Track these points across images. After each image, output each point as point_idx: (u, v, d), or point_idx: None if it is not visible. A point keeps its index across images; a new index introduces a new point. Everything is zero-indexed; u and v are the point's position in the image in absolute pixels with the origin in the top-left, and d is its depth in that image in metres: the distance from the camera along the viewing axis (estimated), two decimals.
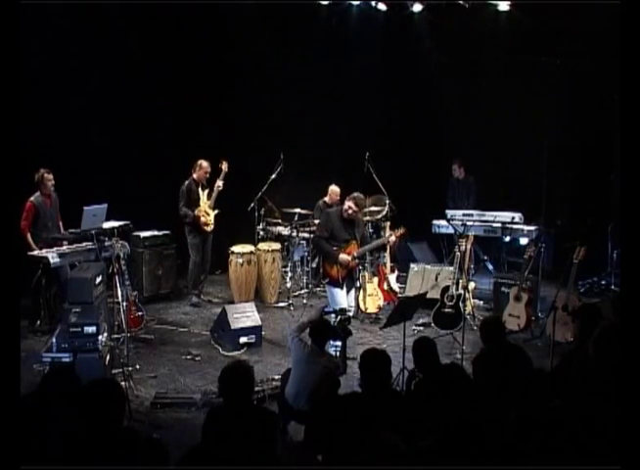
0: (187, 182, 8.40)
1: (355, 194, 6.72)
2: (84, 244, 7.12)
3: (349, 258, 6.64)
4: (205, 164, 8.43)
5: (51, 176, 7.49)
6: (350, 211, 6.62)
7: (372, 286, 8.07)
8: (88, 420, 3.07)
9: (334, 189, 9.25)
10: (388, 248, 8.32)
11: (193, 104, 9.30)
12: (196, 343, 7.34)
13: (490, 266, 9.34)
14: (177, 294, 9.03)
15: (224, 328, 7.16)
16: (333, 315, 5.96)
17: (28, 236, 7.33)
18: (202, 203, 8.43)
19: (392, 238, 7.22)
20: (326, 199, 9.33)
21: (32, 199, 7.41)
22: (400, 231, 7.25)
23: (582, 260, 7.11)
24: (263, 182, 9.18)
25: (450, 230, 8.31)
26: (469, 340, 6.73)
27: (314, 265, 9.07)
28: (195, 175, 8.42)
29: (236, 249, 8.71)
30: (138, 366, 6.47)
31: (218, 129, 9.57)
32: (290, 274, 8.90)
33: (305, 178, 9.64)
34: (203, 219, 8.42)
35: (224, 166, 8.47)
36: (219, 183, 8.44)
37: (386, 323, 6.14)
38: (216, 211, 8.55)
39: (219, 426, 3.52)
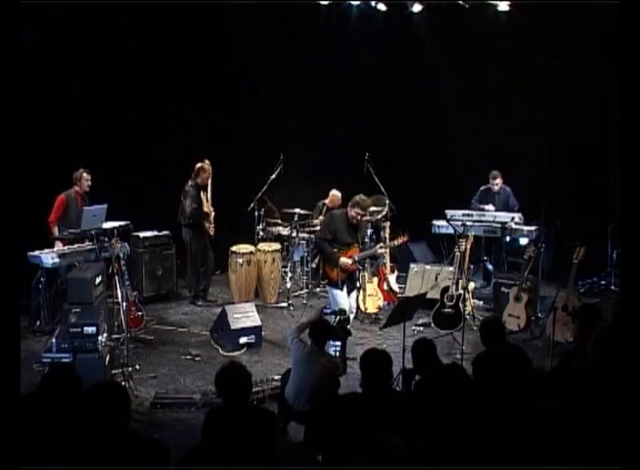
0: (192, 187, 8.33)
1: (357, 198, 6.65)
2: (85, 244, 7.14)
3: (350, 261, 6.65)
4: (207, 166, 8.39)
5: (89, 177, 7.76)
6: (359, 217, 6.63)
7: (372, 286, 8.07)
8: (91, 422, 3.08)
9: (335, 194, 9.26)
10: (388, 248, 8.31)
11: (193, 104, 9.31)
12: (196, 343, 7.34)
13: (490, 266, 9.34)
14: (177, 294, 9.04)
15: (224, 328, 7.15)
16: (332, 316, 5.97)
17: (55, 229, 7.48)
18: (204, 206, 8.43)
19: (381, 251, 7.24)
20: (326, 201, 9.33)
21: (65, 193, 7.64)
22: (402, 239, 7.28)
23: (582, 260, 7.10)
24: (263, 182, 9.18)
25: (450, 230, 8.31)
26: (469, 340, 6.73)
27: (314, 266, 9.09)
28: (199, 180, 8.36)
29: (236, 249, 8.72)
30: (138, 366, 6.48)
31: (218, 129, 9.57)
32: (290, 274, 8.89)
33: (305, 178, 9.65)
34: (207, 220, 8.45)
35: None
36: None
37: (386, 323, 6.14)
38: (213, 213, 8.56)
39: (219, 426, 3.52)
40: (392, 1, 10.03)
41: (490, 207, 9.04)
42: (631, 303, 3.21)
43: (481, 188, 9.34)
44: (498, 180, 9.18)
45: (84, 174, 7.73)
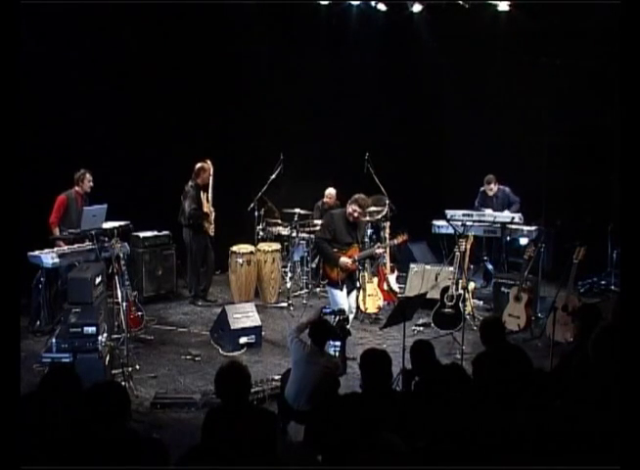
0: (192, 188, 8.31)
1: (356, 196, 6.67)
2: (85, 244, 7.14)
3: (350, 261, 6.65)
4: (207, 166, 8.38)
5: (91, 178, 7.75)
6: (356, 215, 6.61)
7: (372, 286, 8.07)
8: (91, 422, 3.08)
9: (329, 192, 9.28)
10: (388, 248, 8.32)
11: (193, 104, 9.29)
12: (196, 343, 7.34)
13: (490, 266, 9.34)
14: (177, 294, 9.04)
15: (224, 328, 7.15)
16: (332, 316, 5.96)
17: (56, 230, 7.48)
18: (204, 206, 8.43)
19: (379, 251, 7.24)
20: (325, 200, 9.33)
21: (66, 194, 7.63)
22: (402, 238, 7.29)
23: (582, 260, 7.11)
24: (263, 182, 9.18)
25: (450, 230, 8.32)
26: (469, 340, 6.73)
27: (314, 266, 9.09)
28: (199, 180, 8.34)
29: (236, 249, 8.72)
30: (138, 366, 6.48)
31: (218, 129, 9.57)
32: (290, 274, 8.89)
33: (305, 178, 9.64)
34: (207, 220, 8.45)
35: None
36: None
37: (386, 323, 6.14)
38: (214, 213, 8.56)
39: (219, 426, 3.52)
40: (392, 1, 10.03)
41: (489, 211, 9.01)
42: (631, 303, 3.21)
43: (481, 189, 9.34)
44: (492, 185, 9.13)
45: (87, 175, 7.72)
